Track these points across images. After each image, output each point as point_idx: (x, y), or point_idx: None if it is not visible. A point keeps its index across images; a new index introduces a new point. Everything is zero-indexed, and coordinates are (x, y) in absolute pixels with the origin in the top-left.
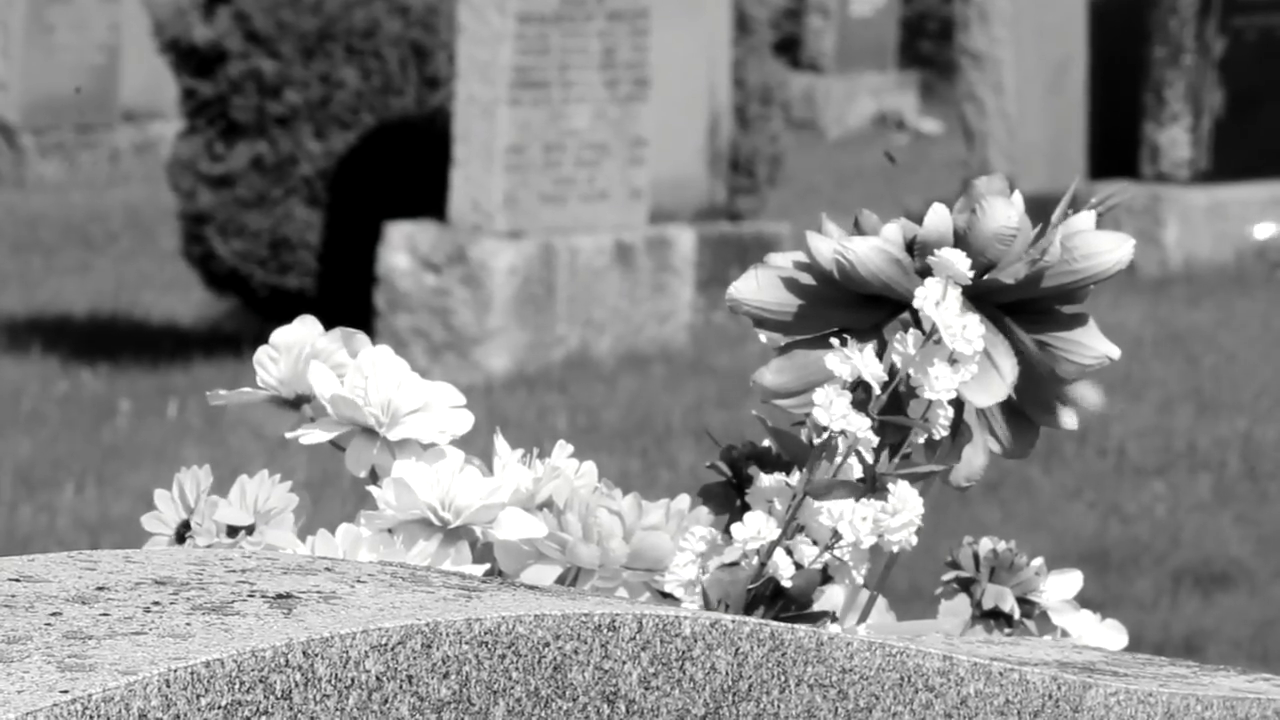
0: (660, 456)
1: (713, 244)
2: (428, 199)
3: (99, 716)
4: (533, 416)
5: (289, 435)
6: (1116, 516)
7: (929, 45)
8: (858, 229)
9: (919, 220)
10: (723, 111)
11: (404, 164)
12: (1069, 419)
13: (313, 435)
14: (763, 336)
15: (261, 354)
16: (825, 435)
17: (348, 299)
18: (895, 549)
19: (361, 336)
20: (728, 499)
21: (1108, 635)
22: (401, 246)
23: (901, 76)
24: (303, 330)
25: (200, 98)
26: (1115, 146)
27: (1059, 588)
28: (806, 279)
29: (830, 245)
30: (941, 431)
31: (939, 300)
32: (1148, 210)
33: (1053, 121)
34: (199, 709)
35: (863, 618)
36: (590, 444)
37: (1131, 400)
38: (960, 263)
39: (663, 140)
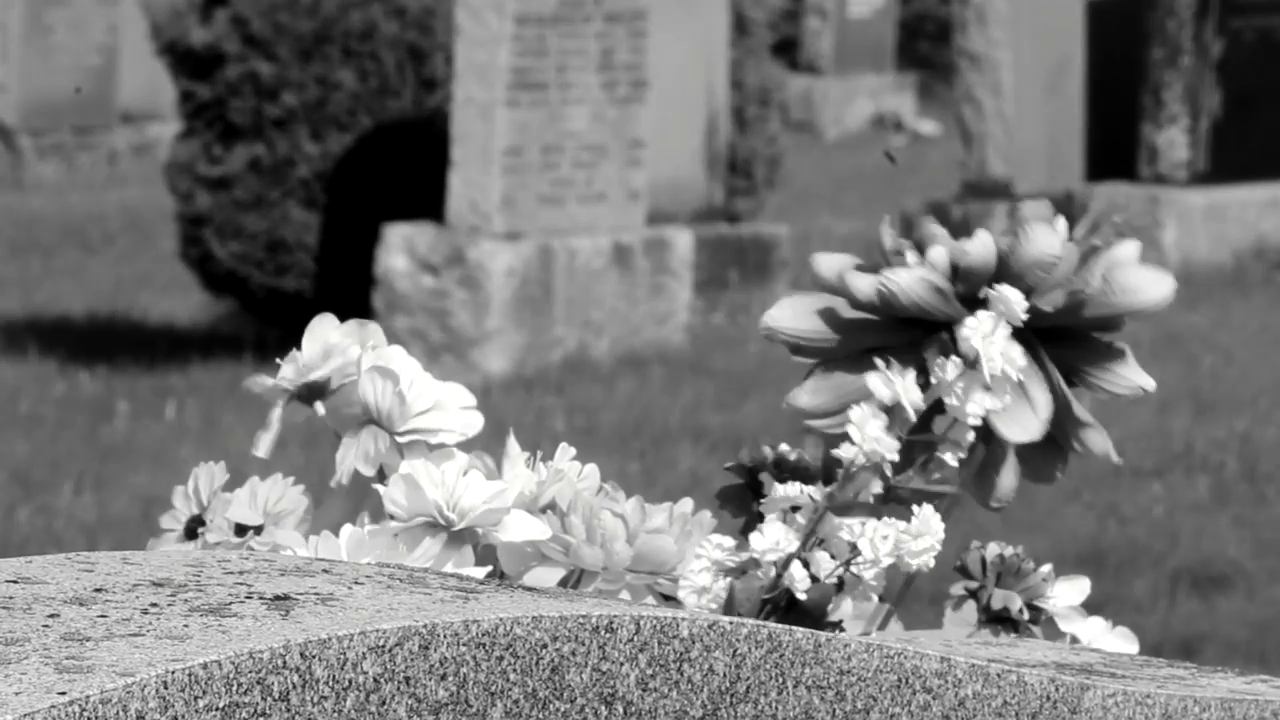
0: (658, 458)
1: (711, 245)
2: (425, 201)
3: (96, 718)
4: (531, 418)
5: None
6: (1114, 518)
7: (927, 46)
8: (908, 236)
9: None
10: (721, 113)
11: (401, 166)
12: (1104, 442)
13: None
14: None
15: (287, 359)
16: (854, 453)
17: (345, 301)
18: (914, 569)
19: (374, 327)
20: (745, 502)
21: (1117, 643)
22: (399, 248)
23: (899, 78)
24: (321, 330)
25: (198, 100)
26: (1113, 148)
27: (1066, 594)
28: (843, 305)
29: (870, 280)
30: (963, 452)
31: (988, 334)
32: (1146, 212)
33: (1051, 123)
34: (196, 710)
35: (881, 629)
36: (588, 445)
37: (1129, 402)
38: (1018, 303)
39: (660, 142)
